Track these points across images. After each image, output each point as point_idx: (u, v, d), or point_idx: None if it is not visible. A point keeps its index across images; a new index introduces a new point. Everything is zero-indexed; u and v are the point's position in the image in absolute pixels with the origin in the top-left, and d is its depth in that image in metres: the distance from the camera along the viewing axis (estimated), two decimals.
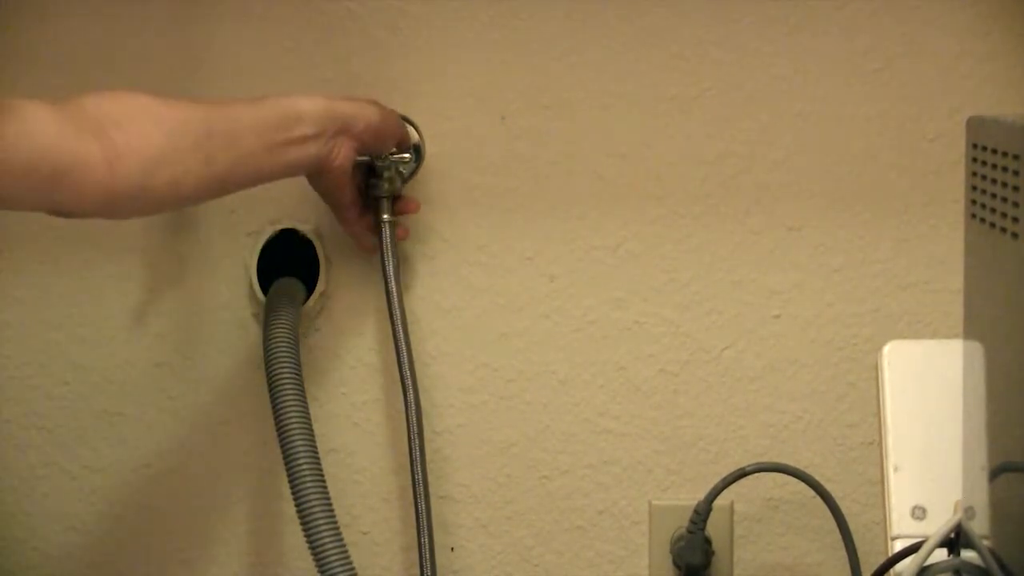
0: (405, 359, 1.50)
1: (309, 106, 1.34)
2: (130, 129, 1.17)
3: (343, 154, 1.38)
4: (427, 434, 1.53)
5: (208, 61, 1.52)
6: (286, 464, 1.39)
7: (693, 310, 1.54)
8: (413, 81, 1.52)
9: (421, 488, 1.50)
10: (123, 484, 1.59)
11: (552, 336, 1.55)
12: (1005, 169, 1.01)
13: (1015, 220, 0.99)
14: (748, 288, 1.54)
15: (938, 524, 1.17)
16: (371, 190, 1.49)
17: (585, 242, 1.54)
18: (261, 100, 1.33)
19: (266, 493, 1.58)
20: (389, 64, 1.52)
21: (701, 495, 1.50)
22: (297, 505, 1.37)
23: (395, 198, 1.50)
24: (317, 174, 1.40)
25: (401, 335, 1.50)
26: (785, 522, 1.56)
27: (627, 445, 1.56)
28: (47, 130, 1.12)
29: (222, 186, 1.29)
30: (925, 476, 1.27)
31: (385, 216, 1.50)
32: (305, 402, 1.42)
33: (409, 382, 1.50)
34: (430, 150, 1.52)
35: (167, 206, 1.27)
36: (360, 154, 1.42)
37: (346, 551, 1.36)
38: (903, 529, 1.26)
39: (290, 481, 1.38)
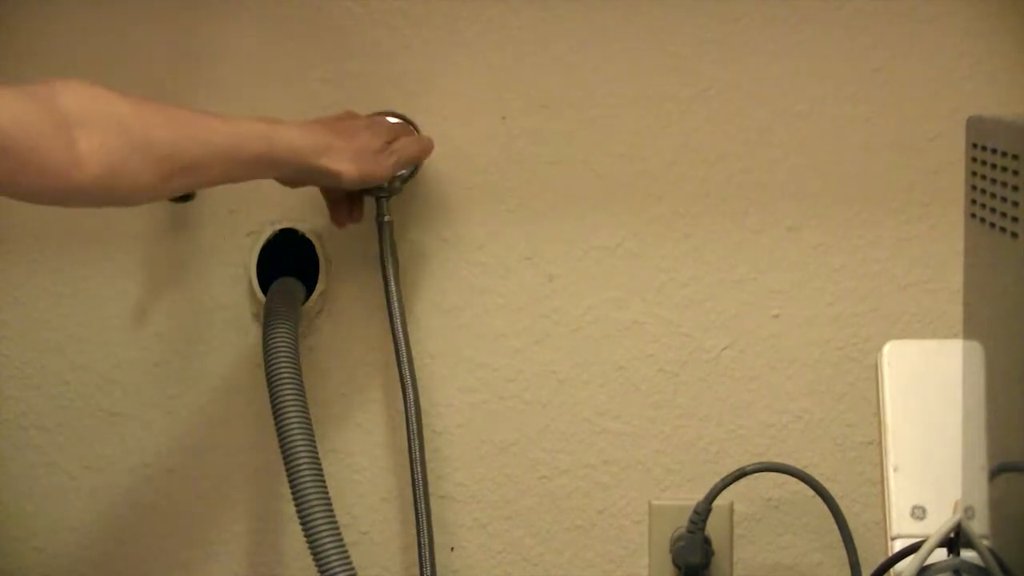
0: (405, 359, 1.50)
1: (286, 154, 1.32)
2: (94, 135, 1.15)
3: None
4: (427, 434, 1.53)
5: (208, 61, 1.52)
6: (286, 464, 1.39)
7: (693, 310, 1.54)
8: (413, 81, 1.52)
9: (421, 488, 1.50)
10: (123, 484, 1.59)
11: (552, 336, 1.55)
12: (1005, 169, 1.01)
13: (1015, 220, 0.99)
14: (748, 288, 1.54)
15: (938, 524, 1.17)
16: (370, 190, 1.50)
17: (585, 242, 1.54)
18: (247, 130, 1.29)
19: (266, 493, 1.58)
20: (389, 64, 1.52)
21: (701, 495, 1.50)
22: (297, 505, 1.37)
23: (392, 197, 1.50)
24: None
25: (401, 335, 1.50)
26: (785, 522, 1.56)
27: (627, 445, 1.56)
28: (10, 113, 1.10)
29: (177, 192, 1.28)
30: (925, 476, 1.27)
31: (384, 216, 1.50)
32: (305, 402, 1.42)
33: (409, 382, 1.50)
34: None
35: (118, 205, 1.25)
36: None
37: (346, 551, 1.36)
38: (903, 529, 1.26)
39: (290, 481, 1.38)
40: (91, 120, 1.15)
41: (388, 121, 1.48)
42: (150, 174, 1.18)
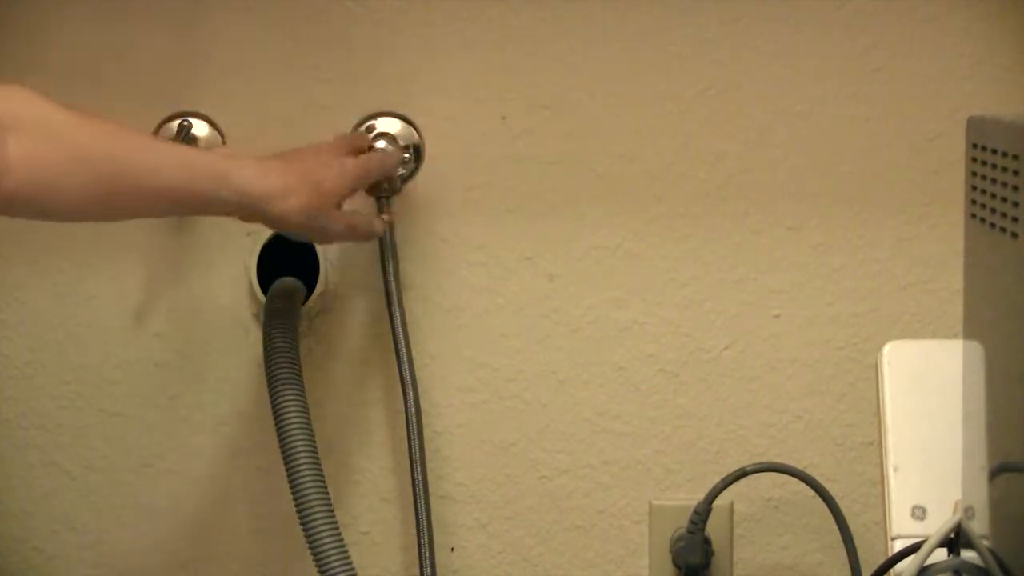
0: (405, 359, 1.50)
1: (235, 196, 1.24)
2: (26, 141, 1.09)
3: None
4: (427, 434, 1.53)
5: (208, 61, 1.52)
6: (286, 464, 1.39)
7: (693, 310, 1.54)
8: (413, 81, 1.52)
9: (421, 488, 1.50)
10: (123, 484, 1.59)
11: (552, 336, 1.55)
12: (1005, 169, 1.01)
13: (1015, 220, 0.99)
14: (748, 288, 1.54)
15: (938, 524, 1.17)
16: (370, 190, 1.50)
17: (585, 242, 1.54)
18: (199, 164, 1.23)
19: (266, 493, 1.58)
20: (389, 64, 1.52)
21: (701, 495, 1.50)
22: (297, 505, 1.37)
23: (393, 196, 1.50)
24: None
25: (401, 335, 1.50)
26: (785, 522, 1.56)
27: (627, 445, 1.56)
28: None
29: (116, 217, 1.22)
30: (925, 476, 1.27)
31: (384, 216, 1.50)
32: (305, 402, 1.42)
33: (409, 382, 1.50)
34: (430, 150, 1.52)
35: (49, 219, 1.19)
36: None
37: (346, 551, 1.36)
38: (903, 529, 1.26)
39: (290, 481, 1.38)
40: (24, 126, 1.10)
41: (357, 169, 1.40)
42: (88, 190, 1.13)
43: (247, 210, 1.27)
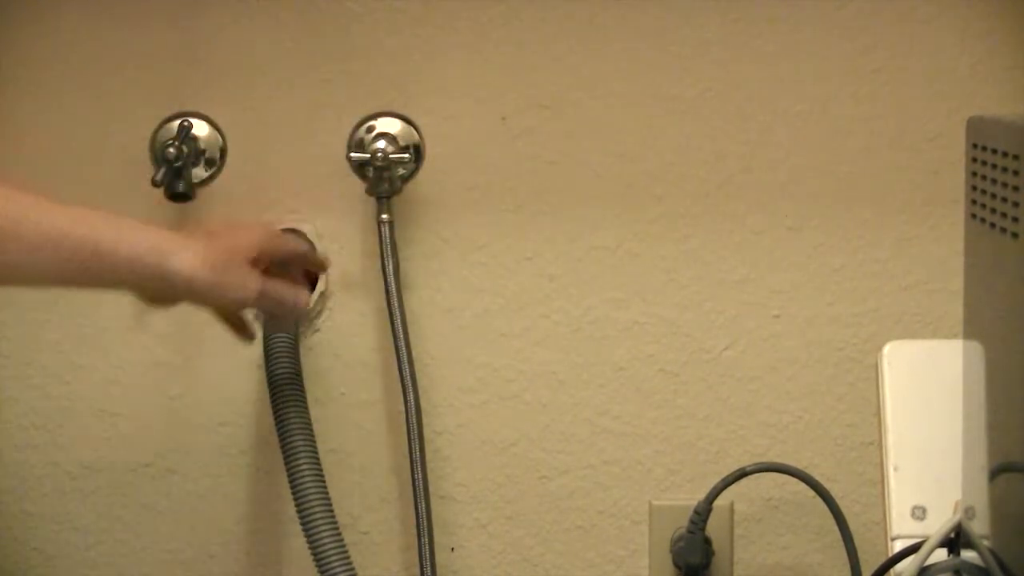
0: (405, 359, 1.50)
1: (130, 248, 1.18)
2: None
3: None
4: (427, 434, 1.53)
5: (208, 61, 1.52)
6: (286, 464, 1.39)
7: (693, 310, 1.54)
8: (413, 81, 1.52)
9: (421, 488, 1.50)
10: (123, 484, 1.59)
11: (552, 336, 1.55)
12: (1005, 169, 1.01)
13: (1015, 220, 0.99)
14: (748, 288, 1.54)
15: (938, 524, 1.17)
16: (370, 189, 1.50)
17: (585, 242, 1.54)
18: (88, 216, 1.18)
19: (266, 493, 1.58)
20: (389, 64, 1.52)
21: (701, 495, 1.50)
22: (297, 505, 1.37)
23: (391, 198, 1.50)
24: None
25: (401, 335, 1.50)
26: (785, 522, 1.56)
27: (627, 445, 1.56)
28: None
29: (17, 272, 1.17)
30: (925, 476, 1.27)
31: (384, 216, 1.50)
32: (305, 402, 1.42)
33: (409, 382, 1.50)
34: (430, 150, 1.52)
35: None
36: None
37: (346, 551, 1.36)
38: (903, 529, 1.26)
39: (290, 481, 1.38)
40: None
41: (267, 232, 1.35)
42: None
43: (149, 271, 1.20)
